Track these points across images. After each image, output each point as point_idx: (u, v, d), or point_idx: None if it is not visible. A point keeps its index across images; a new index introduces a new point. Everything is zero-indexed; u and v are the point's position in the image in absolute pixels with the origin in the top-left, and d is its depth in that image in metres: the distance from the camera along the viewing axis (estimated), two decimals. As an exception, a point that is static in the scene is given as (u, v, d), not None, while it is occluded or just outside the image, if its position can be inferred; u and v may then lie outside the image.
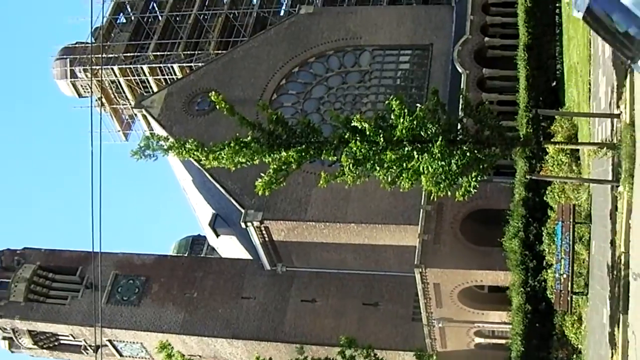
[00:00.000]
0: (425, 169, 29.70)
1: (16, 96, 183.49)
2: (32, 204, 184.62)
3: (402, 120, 29.46)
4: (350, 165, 29.94)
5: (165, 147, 31.46)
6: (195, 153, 31.17)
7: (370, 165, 30.16)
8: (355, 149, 29.77)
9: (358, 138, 29.90)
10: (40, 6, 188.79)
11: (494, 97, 57.78)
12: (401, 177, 30.52)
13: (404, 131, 29.47)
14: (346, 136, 30.44)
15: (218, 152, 30.82)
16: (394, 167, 30.10)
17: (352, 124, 30.17)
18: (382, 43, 65.48)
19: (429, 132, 29.80)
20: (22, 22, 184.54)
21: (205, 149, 31.18)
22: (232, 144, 30.65)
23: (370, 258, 58.62)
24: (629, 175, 28.11)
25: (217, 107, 32.03)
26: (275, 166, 30.95)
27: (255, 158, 30.92)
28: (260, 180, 31.22)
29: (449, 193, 31.07)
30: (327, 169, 31.84)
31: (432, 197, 32.72)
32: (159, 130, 62.48)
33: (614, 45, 25.04)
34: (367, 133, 29.79)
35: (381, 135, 29.63)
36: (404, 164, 29.93)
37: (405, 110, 29.66)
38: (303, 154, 30.76)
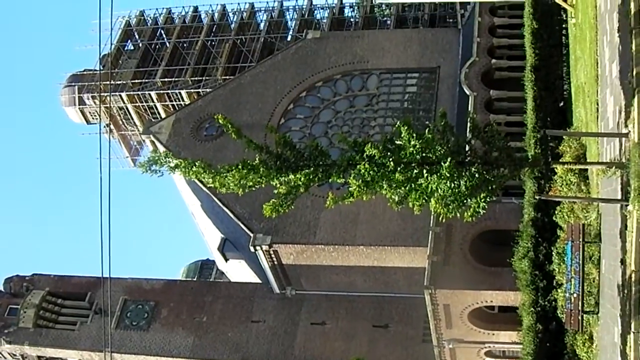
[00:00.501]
0: (434, 190, 29.76)
1: (25, 123, 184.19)
2: (41, 230, 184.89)
3: (411, 143, 29.55)
4: (359, 186, 29.98)
5: (173, 165, 31.58)
6: (202, 174, 31.27)
7: (378, 186, 30.21)
8: (363, 171, 29.84)
9: (366, 161, 29.98)
10: (47, 34, 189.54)
11: (501, 118, 57.88)
12: (409, 198, 30.57)
13: (413, 153, 29.56)
14: (355, 159, 30.53)
15: (225, 175, 30.88)
16: (402, 188, 30.15)
17: (363, 151, 30.25)
18: (389, 66, 65.70)
19: (437, 154, 29.88)
20: (30, 50, 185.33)
21: (213, 170, 31.27)
22: (239, 167, 30.72)
23: (379, 280, 58.58)
24: (638, 194, 28.12)
25: (225, 129, 32.17)
26: (283, 189, 31.02)
27: (263, 181, 30.98)
28: (268, 203, 31.29)
29: (458, 214, 31.11)
30: (335, 192, 31.78)
31: (440, 219, 32.66)
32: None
33: None
34: (376, 157, 29.88)
35: (390, 159, 29.70)
36: (412, 185, 29.99)
37: (414, 134, 29.77)
38: (311, 177, 30.80)
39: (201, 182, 58.62)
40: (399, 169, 29.60)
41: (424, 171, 29.53)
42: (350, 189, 30.36)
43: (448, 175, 29.19)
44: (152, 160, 31.32)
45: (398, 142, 30.41)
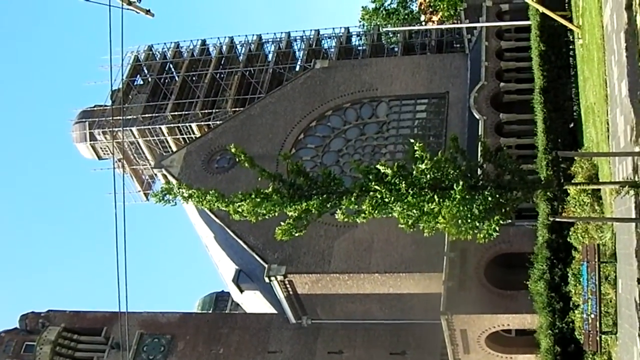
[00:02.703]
0: (445, 214, 29.80)
1: (37, 160, 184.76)
2: (56, 267, 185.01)
3: (423, 163, 29.64)
4: (372, 205, 30.07)
5: (186, 194, 31.73)
6: (216, 203, 31.39)
7: (390, 208, 30.28)
8: (376, 194, 29.94)
9: (380, 184, 30.08)
10: (56, 70, 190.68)
11: (512, 141, 57.93)
12: (421, 221, 30.65)
13: (425, 172, 29.65)
14: (368, 184, 30.63)
15: (239, 204, 31.00)
16: (414, 210, 30.21)
17: (376, 168, 30.40)
18: (398, 93, 65.90)
19: (450, 178, 29.96)
20: (39, 87, 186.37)
21: (226, 199, 31.39)
22: (253, 195, 30.84)
23: (395, 307, 58.47)
24: (653, 211, 28.13)
25: (237, 159, 32.33)
26: (295, 214, 31.11)
27: (277, 209, 31.08)
28: (280, 227, 31.41)
29: (470, 237, 31.13)
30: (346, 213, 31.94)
31: (452, 239, 32.71)
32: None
33: None
34: (389, 179, 29.98)
35: (403, 182, 29.80)
36: (424, 208, 30.04)
37: (427, 155, 29.89)
38: (324, 203, 30.93)
39: (214, 214, 59.18)
40: (411, 192, 29.67)
41: (436, 196, 29.59)
42: (362, 209, 30.47)
43: (460, 198, 29.23)
44: (166, 190, 31.51)
45: (410, 168, 30.52)
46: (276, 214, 31.49)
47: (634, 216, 31.80)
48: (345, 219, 31.43)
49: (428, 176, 29.88)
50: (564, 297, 43.35)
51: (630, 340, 32.85)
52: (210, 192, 31.46)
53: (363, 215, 30.79)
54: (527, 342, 51.89)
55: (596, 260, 36.11)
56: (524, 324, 50.34)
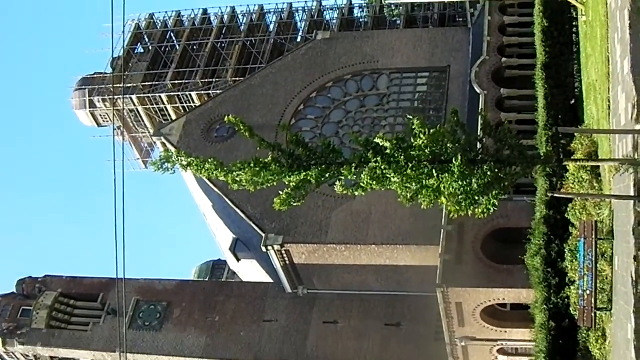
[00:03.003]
0: (445, 188, 29.85)
1: (36, 126, 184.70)
2: (54, 232, 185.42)
3: (421, 137, 29.63)
4: (371, 177, 30.09)
5: (185, 163, 31.73)
6: (214, 172, 31.41)
7: (389, 181, 30.30)
8: (375, 167, 29.95)
9: (379, 157, 30.09)
10: (57, 38, 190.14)
11: (512, 116, 57.90)
12: (420, 195, 30.68)
13: (424, 147, 29.65)
14: (367, 157, 30.63)
15: (237, 173, 31.02)
16: (413, 184, 30.24)
17: (374, 142, 30.39)
18: (400, 66, 65.77)
19: (449, 152, 29.97)
20: (39, 54, 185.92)
21: (225, 168, 31.40)
22: (252, 165, 30.84)
23: (391, 279, 58.65)
24: (651, 189, 28.19)
25: (236, 129, 32.27)
26: (294, 184, 31.15)
27: (276, 179, 31.11)
28: (278, 197, 31.46)
29: (469, 212, 31.19)
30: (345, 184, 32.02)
31: (451, 216, 32.72)
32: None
33: None
34: (388, 152, 29.98)
35: (402, 154, 29.81)
36: (423, 182, 30.09)
37: (425, 130, 29.87)
38: (323, 173, 30.94)
39: (212, 182, 59.24)
40: (410, 165, 29.69)
41: (435, 170, 29.61)
42: (360, 182, 30.50)
43: (459, 173, 29.26)
44: (165, 158, 31.45)
45: (410, 141, 30.51)
46: (275, 183, 31.50)
47: (632, 194, 31.85)
48: (344, 192, 31.50)
49: (427, 150, 29.86)
50: (560, 272, 43.45)
51: (625, 317, 32.99)
52: (209, 161, 31.43)
53: (362, 187, 30.83)
54: (521, 317, 52.04)
55: (593, 237, 36.23)
56: (520, 298, 50.52)
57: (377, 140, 30.20)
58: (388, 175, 29.97)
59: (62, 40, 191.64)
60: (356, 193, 31.34)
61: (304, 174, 30.77)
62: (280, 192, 31.60)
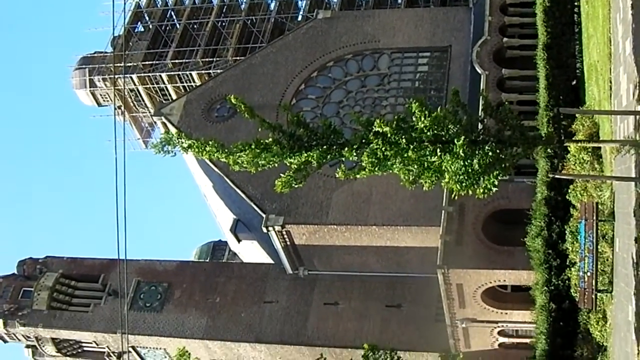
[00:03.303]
0: (447, 167, 29.74)
1: (36, 107, 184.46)
2: (54, 213, 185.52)
3: (422, 119, 29.48)
4: (371, 162, 29.99)
5: (186, 145, 31.60)
6: (215, 154, 31.28)
7: (391, 163, 30.19)
8: (376, 149, 29.83)
9: (380, 139, 29.95)
10: (57, 17, 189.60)
11: (513, 97, 57.70)
12: (423, 176, 30.57)
13: (425, 130, 29.52)
14: (368, 138, 30.50)
15: (238, 154, 30.89)
16: (415, 166, 30.14)
17: (374, 129, 30.24)
18: (401, 46, 65.46)
19: (450, 133, 29.84)
20: (39, 34, 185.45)
21: (226, 150, 31.27)
22: (253, 146, 30.72)
23: (392, 260, 58.62)
24: (653, 171, 28.06)
25: (237, 110, 32.18)
26: (295, 166, 31.04)
27: (277, 160, 31.00)
28: (280, 179, 31.35)
29: (470, 192, 31.08)
30: (346, 167, 31.92)
31: (453, 197, 32.70)
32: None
33: None
34: (389, 136, 29.85)
35: (403, 137, 29.68)
36: (425, 163, 29.98)
37: (426, 112, 29.72)
38: (324, 154, 30.83)
39: (213, 163, 59.13)
40: (411, 147, 29.57)
41: (437, 150, 29.49)
42: (362, 164, 30.40)
43: (461, 153, 29.15)
44: (165, 140, 31.31)
45: (410, 121, 30.39)
46: (276, 164, 31.43)
47: (633, 175, 31.75)
48: (346, 177, 31.41)
49: (429, 132, 29.73)
50: (560, 254, 43.41)
51: (626, 298, 32.96)
52: (210, 143, 31.31)
53: (363, 172, 30.73)
54: (522, 298, 52.05)
55: (594, 218, 36.15)
56: (520, 280, 50.51)
57: (376, 127, 29.97)
58: (389, 158, 29.85)
59: (62, 19, 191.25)
60: (358, 176, 31.24)
61: (305, 155, 30.66)
62: (282, 175, 31.51)
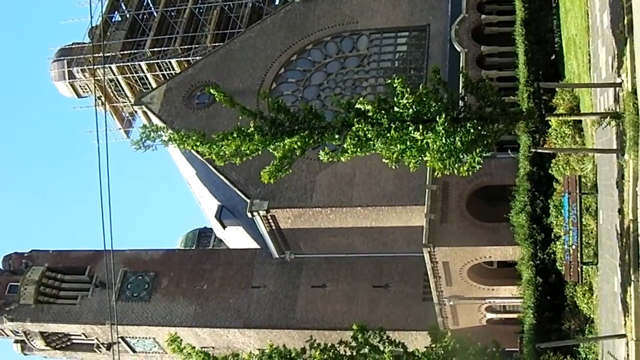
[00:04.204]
0: (430, 145, 29.79)
1: (16, 100, 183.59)
2: (38, 206, 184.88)
3: (404, 97, 29.51)
4: (354, 144, 30.01)
5: (166, 138, 31.48)
6: (197, 146, 31.21)
7: (373, 144, 30.21)
8: (358, 130, 29.85)
9: (361, 119, 29.98)
10: (32, 9, 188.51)
11: (493, 74, 57.75)
12: (405, 155, 30.61)
13: (406, 108, 29.56)
14: (349, 120, 30.53)
15: (220, 144, 30.79)
16: (398, 145, 30.16)
17: (356, 107, 30.26)
18: (379, 26, 65.38)
19: (432, 111, 29.90)
20: (16, 26, 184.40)
21: (208, 141, 31.17)
22: (234, 135, 30.65)
23: (378, 240, 58.75)
24: (634, 142, 28.17)
25: (217, 99, 32.07)
26: (280, 154, 31.01)
27: (260, 147, 30.96)
28: (265, 169, 31.30)
29: (455, 170, 31.16)
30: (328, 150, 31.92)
31: (436, 175, 32.77)
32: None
33: None
34: (371, 114, 29.87)
35: (384, 116, 29.72)
36: (407, 142, 30.01)
37: (408, 89, 29.76)
38: (307, 139, 30.83)
39: (197, 150, 58.98)
40: (393, 126, 29.61)
41: (419, 128, 29.53)
42: (345, 146, 30.41)
43: (443, 131, 29.22)
44: (145, 135, 31.14)
45: (392, 100, 30.40)
46: (260, 152, 31.39)
47: (615, 147, 31.90)
48: (329, 159, 31.40)
49: (410, 110, 29.77)
50: (545, 228, 43.64)
51: (611, 270, 33.16)
52: (191, 134, 31.22)
53: (346, 154, 30.74)
54: (508, 274, 52.31)
55: (577, 191, 36.26)
56: (506, 255, 50.72)
57: (359, 106, 30.00)
58: (371, 139, 29.88)
59: (38, 11, 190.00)
60: (342, 158, 31.25)
61: (288, 140, 30.63)
62: (265, 160, 31.48)
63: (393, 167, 31.87)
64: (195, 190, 74.00)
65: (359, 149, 30.29)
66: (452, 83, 47.74)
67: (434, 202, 51.95)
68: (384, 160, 31.51)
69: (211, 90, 31.87)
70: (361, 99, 30.32)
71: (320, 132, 31.17)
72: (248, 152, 30.99)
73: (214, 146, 30.96)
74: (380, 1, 66.49)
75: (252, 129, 30.97)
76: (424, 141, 29.72)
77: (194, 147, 31.36)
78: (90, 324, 65.32)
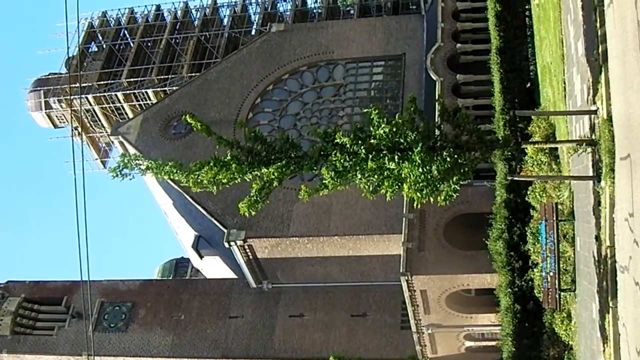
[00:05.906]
0: (407, 175, 29.78)
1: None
2: (14, 237, 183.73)
3: (381, 127, 29.53)
4: (332, 177, 29.96)
5: (143, 167, 31.35)
6: (174, 175, 31.09)
7: (351, 175, 30.19)
8: (335, 161, 29.83)
9: (338, 150, 29.96)
10: (8, 39, 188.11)
11: (469, 102, 58.07)
12: (383, 186, 30.59)
13: (383, 137, 29.56)
14: (326, 149, 30.49)
15: (198, 173, 30.68)
16: (375, 176, 30.16)
17: (334, 140, 30.22)
18: (355, 56, 65.73)
19: (408, 140, 29.90)
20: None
21: (185, 170, 31.08)
22: (211, 164, 30.55)
23: (355, 269, 58.70)
24: (610, 169, 28.24)
25: (194, 128, 32.00)
26: (258, 185, 30.93)
27: (237, 177, 30.84)
28: (243, 201, 31.17)
29: (432, 199, 31.17)
30: (308, 184, 31.83)
31: (414, 205, 32.83)
32: (137, 155, 62.37)
33: None
34: (347, 145, 29.85)
35: (361, 146, 29.70)
36: (385, 173, 30.01)
37: (385, 119, 29.78)
38: (283, 169, 30.72)
39: (172, 180, 58.86)
40: (370, 156, 29.60)
41: (396, 157, 29.53)
42: (324, 181, 30.34)
43: (420, 160, 29.23)
44: (122, 164, 31.00)
45: (368, 131, 30.39)
46: (237, 181, 31.30)
47: (591, 174, 32.02)
48: (309, 196, 31.24)
49: (386, 140, 29.77)
50: (523, 255, 43.71)
51: (589, 297, 33.21)
52: (169, 164, 31.11)
53: (326, 190, 30.64)
54: (487, 302, 52.36)
55: (554, 218, 36.35)
56: (484, 283, 50.75)
57: (337, 139, 29.95)
58: (349, 170, 29.84)
59: (15, 42, 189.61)
60: (321, 194, 31.14)
61: (265, 170, 30.55)
62: (242, 190, 31.38)
63: (371, 198, 31.86)
64: (172, 220, 73.73)
65: (338, 182, 30.24)
66: (428, 112, 48.08)
67: (411, 231, 51.98)
68: (363, 193, 31.49)
69: (188, 119, 31.74)
70: (339, 132, 30.27)
71: (297, 162, 31.11)
72: (225, 181, 30.86)
73: (192, 175, 30.85)
74: (356, 30, 66.86)
75: (229, 158, 30.87)
76: (401, 171, 29.71)
77: (172, 176, 31.24)
78: (67, 354, 64.74)
